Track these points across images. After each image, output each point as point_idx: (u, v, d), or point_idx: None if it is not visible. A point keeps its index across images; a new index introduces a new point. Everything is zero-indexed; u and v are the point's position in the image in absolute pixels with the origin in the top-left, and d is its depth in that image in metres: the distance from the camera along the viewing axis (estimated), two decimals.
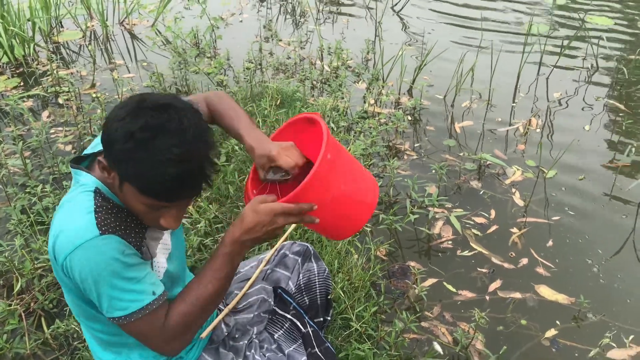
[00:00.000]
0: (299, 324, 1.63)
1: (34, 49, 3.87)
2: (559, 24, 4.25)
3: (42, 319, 1.95)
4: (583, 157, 2.89)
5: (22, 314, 1.95)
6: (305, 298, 1.72)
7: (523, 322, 2.03)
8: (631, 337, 1.95)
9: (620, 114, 3.24)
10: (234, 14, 4.55)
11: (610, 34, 4.18)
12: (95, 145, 1.32)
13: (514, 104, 3.36)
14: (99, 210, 1.14)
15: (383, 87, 3.45)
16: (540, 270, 2.24)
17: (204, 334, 1.47)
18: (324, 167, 1.17)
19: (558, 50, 3.79)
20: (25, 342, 1.86)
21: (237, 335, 1.60)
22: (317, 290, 1.73)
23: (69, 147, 2.90)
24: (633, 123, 3.14)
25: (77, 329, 1.86)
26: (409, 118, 3.21)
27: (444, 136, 3.06)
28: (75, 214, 1.15)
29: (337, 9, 4.69)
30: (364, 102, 3.29)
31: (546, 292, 2.15)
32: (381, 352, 1.82)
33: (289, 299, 1.67)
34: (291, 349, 1.58)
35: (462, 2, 4.77)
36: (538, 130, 3.12)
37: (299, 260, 1.72)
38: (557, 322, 2.04)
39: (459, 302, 2.10)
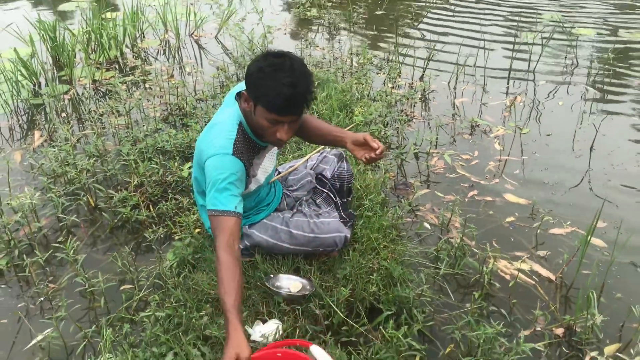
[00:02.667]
0: (332, 196, 2.47)
1: (123, 51, 4.92)
2: (549, 33, 5.06)
3: (150, 204, 2.84)
4: (555, 122, 3.67)
5: (139, 198, 2.83)
6: (337, 183, 2.53)
7: (491, 212, 2.82)
8: (568, 222, 2.71)
9: (588, 96, 4.02)
10: (279, 29, 5.55)
11: (591, 42, 4.98)
12: (237, 88, 2.00)
13: (507, 86, 4.17)
14: (237, 140, 1.88)
15: (399, 75, 4.32)
16: (508, 186, 3.03)
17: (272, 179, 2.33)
18: None
19: (546, 54, 4.61)
20: (143, 213, 2.74)
21: (293, 203, 2.45)
22: (345, 180, 2.55)
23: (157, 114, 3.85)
24: (598, 99, 3.92)
25: (166, 215, 2.73)
26: (419, 96, 4.06)
27: (446, 108, 3.89)
28: (222, 135, 1.87)
29: (367, 26, 5.63)
30: (384, 85, 4.16)
31: (510, 197, 2.94)
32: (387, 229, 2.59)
33: (326, 180, 2.50)
34: (327, 209, 2.41)
35: (469, 19, 5.64)
36: (521, 104, 3.92)
37: (335, 160, 2.56)
38: (516, 213, 2.81)
39: (445, 201, 2.90)
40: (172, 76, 4.49)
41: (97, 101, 4.05)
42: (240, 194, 1.89)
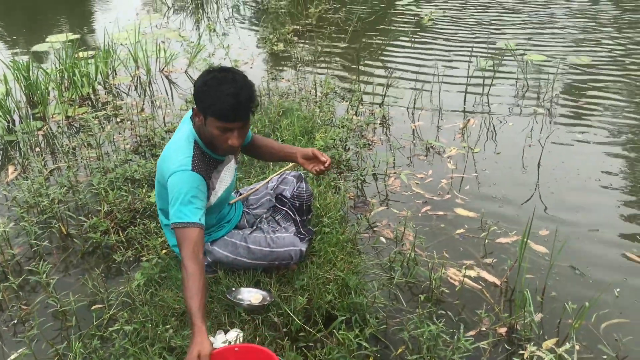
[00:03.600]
0: (291, 213, 2.63)
1: (95, 88, 5.09)
2: (500, 60, 5.35)
3: (119, 230, 2.97)
4: (505, 141, 3.91)
5: (109, 224, 2.97)
6: (296, 202, 2.68)
7: (442, 225, 3.01)
8: (514, 232, 2.91)
9: (537, 116, 4.28)
10: (246, 63, 5.78)
11: (541, 66, 5.29)
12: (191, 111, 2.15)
13: (461, 111, 4.42)
14: (194, 157, 2.06)
15: (361, 102, 4.54)
16: (458, 200, 3.23)
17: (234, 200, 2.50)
18: None
19: (499, 79, 4.90)
20: (112, 238, 2.88)
21: (253, 220, 2.61)
22: (305, 199, 2.70)
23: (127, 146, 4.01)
24: (546, 119, 4.18)
25: (135, 239, 2.88)
26: (379, 121, 4.28)
27: (404, 132, 4.11)
28: (180, 153, 2.04)
29: (330, 59, 5.89)
30: (346, 112, 4.38)
31: (461, 211, 3.14)
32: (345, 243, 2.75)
33: (286, 199, 2.67)
34: (286, 224, 2.58)
35: (426, 46, 5.94)
36: (474, 126, 4.16)
37: (295, 180, 2.73)
38: (466, 225, 3.01)
39: (400, 217, 3.09)
40: (142, 110, 4.67)
41: (70, 136, 4.20)
42: (203, 206, 2.05)
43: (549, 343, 2.24)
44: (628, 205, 3.14)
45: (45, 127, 4.42)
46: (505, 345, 2.25)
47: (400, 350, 2.20)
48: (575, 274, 2.63)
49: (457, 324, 2.29)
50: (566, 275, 2.63)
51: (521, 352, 2.19)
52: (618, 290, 2.52)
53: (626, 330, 2.30)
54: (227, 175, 2.29)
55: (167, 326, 2.16)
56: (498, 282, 2.60)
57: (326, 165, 2.35)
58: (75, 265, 2.79)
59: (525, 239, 2.45)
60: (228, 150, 2.09)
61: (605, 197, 3.22)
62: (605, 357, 2.18)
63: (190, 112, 2.20)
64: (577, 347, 2.15)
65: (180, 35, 6.82)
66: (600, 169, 3.50)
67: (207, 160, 2.13)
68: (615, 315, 2.38)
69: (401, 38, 6.31)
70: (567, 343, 2.19)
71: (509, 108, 4.43)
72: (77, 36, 6.65)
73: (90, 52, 5.75)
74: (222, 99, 1.92)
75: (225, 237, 2.40)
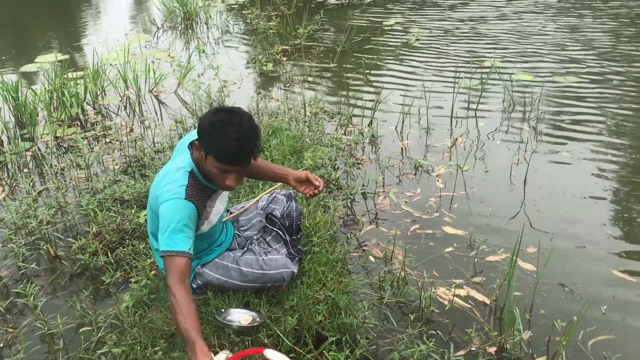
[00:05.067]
0: (281, 233, 2.64)
1: (84, 108, 5.10)
2: (486, 79, 5.42)
3: (108, 251, 2.96)
4: (493, 159, 3.95)
5: (98, 245, 2.96)
6: (286, 222, 2.70)
7: (431, 244, 3.03)
8: (502, 249, 2.94)
9: (523, 134, 4.33)
10: (235, 83, 5.81)
11: (527, 85, 5.37)
12: (190, 137, 2.19)
13: (449, 129, 4.47)
14: (189, 186, 2.05)
15: (350, 122, 4.58)
16: (446, 219, 3.26)
17: (225, 219, 2.50)
18: None
19: (486, 97, 4.96)
20: (101, 259, 2.86)
21: (244, 242, 2.61)
22: (295, 218, 2.72)
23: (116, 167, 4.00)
24: (532, 137, 4.24)
25: (124, 260, 2.87)
26: (367, 141, 4.31)
27: (392, 151, 4.14)
28: (175, 182, 2.03)
29: (320, 79, 5.94)
30: (335, 131, 4.41)
31: (449, 229, 3.16)
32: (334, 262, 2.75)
33: (276, 219, 2.68)
34: (277, 245, 2.58)
35: (413, 65, 6.02)
36: (462, 144, 4.21)
37: (285, 200, 2.74)
38: (455, 244, 3.03)
39: (389, 236, 3.10)
40: (131, 130, 4.67)
41: (59, 156, 4.19)
42: (193, 236, 2.05)
43: None
44: (614, 222, 3.18)
45: (33, 148, 4.40)
46: None
47: None
48: (565, 291, 2.65)
49: (447, 344, 2.29)
50: (555, 292, 2.65)
51: None
52: (605, 307, 2.54)
53: (614, 346, 2.32)
54: (220, 203, 2.29)
55: (156, 348, 2.15)
56: (487, 301, 2.61)
57: (320, 188, 2.37)
58: (64, 287, 2.77)
59: (514, 257, 2.47)
60: (224, 188, 2.10)
61: (591, 214, 3.25)
62: None
63: (186, 139, 2.21)
64: None
65: (169, 56, 6.85)
66: (585, 186, 3.54)
67: (201, 190, 2.13)
68: (604, 332, 2.40)
69: (389, 57, 6.38)
70: None
71: (496, 126, 4.48)
72: (67, 57, 6.65)
73: (80, 73, 5.75)
74: (226, 142, 1.92)
75: (216, 259, 2.40)
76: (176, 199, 2.01)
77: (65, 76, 5.23)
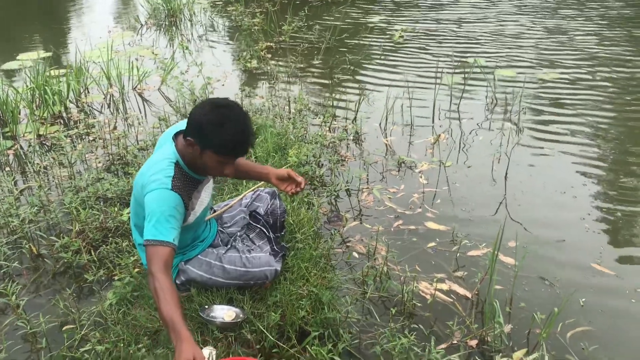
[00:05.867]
0: (265, 230, 2.65)
1: (67, 106, 5.06)
2: (468, 75, 5.47)
3: (91, 249, 2.95)
4: (475, 155, 3.99)
5: (81, 243, 2.95)
6: (270, 219, 2.71)
7: (414, 239, 3.06)
8: (484, 244, 2.97)
9: (505, 130, 4.38)
10: (219, 80, 5.80)
11: (509, 82, 5.42)
12: (175, 129, 2.19)
13: (432, 125, 4.50)
14: (174, 177, 2.04)
15: (334, 118, 4.59)
16: (429, 214, 3.29)
17: (208, 217, 2.51)
18: None
19: (469, 93, 5.01)
20: (84, 257, 2.85)
21: (227, 239, 2.62)
22: (278, 216, 2.74)
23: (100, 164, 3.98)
24: (514, 133, 4.29)
25: (107, 258, 2.87)
26: (351, 138, 4.33)
27: (376, 147, 4.17)
28: (160, 173, 2.02)
29: (304, 75, 5.95)
30: (320, 128, 4.43)
31: (432, 224, 3.19)
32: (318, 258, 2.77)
33: (260, 217, 2.69)
34: (260, 242, 2.59)
35: (397, 62, 6.05)
36: (445, 141, 4.24)
37: (268, 197, 2.75)
38: (437, 239, 3.06)
39: (372, 232, 3.13)
40: (115, 128, 4.65)
41: (41, 155, 4.16)
42: (179, 227, 2.04)
43: (519, 354, 2.29)
44: (593, 216, 3.23)
45: (16, 146, 4.37)
46: (477, 358, 2.29)
47: None
48: (545, 284, 2.69)
49: (429, 337, 2.32)
50: (535, 285, 2.69)
51: None
52: (584, 299, 2.58)
53: (592, 338, 2.36)
54: (205, 195, 2.30)
55: (140, 345, 2.16)
56: (469, 295, 2.65)
57: (302, 185, 2.39)
58: (46, 286, 2.76)
59: (495, 252, 2.50)
60: (219, 176, 2.13)
61: (571, 209, 3.30)
62: None
63: (170, 131, 2.21)
64: (546, 357, 2.20)
65: (153, 53, 6.82)
66: (565, 181, 3.59)
67: (187, 181, 2.13)
68: (582, 323, 2.44)
69: (373, 54, 6.41)
70: (536, 353, 2.24)
71: (478, 123, 4.52)
72: (49, 54, 6.59)
73: (62, 70, 5.71)
74: (229, 138, 1.97)
75: (199, 256, 2.41)
76: (163, 189, 2.01)
77: (48, 74, 5.18)
